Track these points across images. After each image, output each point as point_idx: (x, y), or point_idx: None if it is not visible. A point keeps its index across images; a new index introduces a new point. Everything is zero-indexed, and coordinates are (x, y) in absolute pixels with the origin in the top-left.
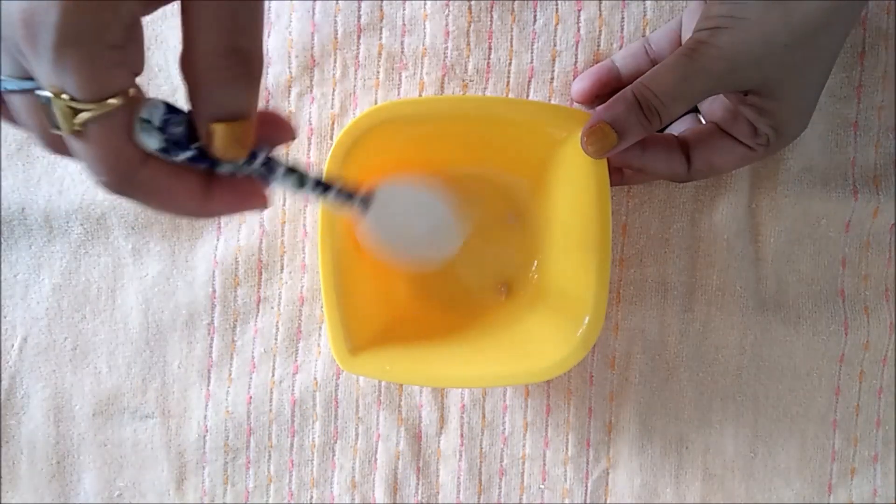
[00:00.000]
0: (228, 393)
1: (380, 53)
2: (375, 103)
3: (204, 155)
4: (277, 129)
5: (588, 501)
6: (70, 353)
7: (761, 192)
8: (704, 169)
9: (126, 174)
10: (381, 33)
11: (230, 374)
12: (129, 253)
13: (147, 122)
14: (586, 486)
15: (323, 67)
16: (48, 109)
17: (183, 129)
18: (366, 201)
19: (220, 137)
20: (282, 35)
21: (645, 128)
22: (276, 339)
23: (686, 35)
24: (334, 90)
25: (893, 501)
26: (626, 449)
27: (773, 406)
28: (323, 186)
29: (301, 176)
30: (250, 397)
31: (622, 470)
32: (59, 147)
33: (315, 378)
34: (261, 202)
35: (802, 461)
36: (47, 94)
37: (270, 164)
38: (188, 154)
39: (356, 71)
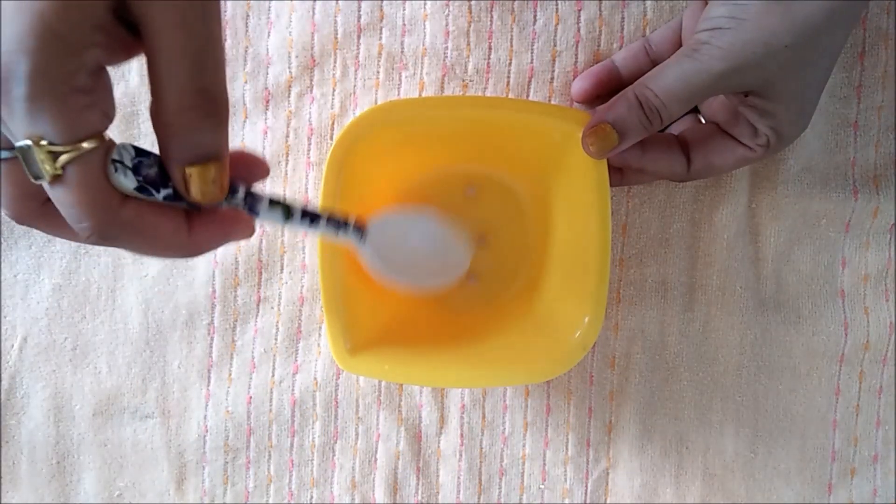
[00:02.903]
0: (228, 393)
1: (380, 53)
2: (375, 103)
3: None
4: (251, 166)
5: (588, 501)
6: (70, 353)
7: (761, 192)
8: (704, 169)
9: (108, 214)
10: (381, 33)
11: (230, 374)
12: (128, 253)
13: (119, 162)
14: (586, 486)
15: (323, 67)
16: (29, 159)
17: (156, 171)
18: (360, 231)
19: (195, 181)
20: (282, 35)
21: (646, 128)
22: (276, 339)
23: (686, 35)
24: (334, 90)
25: (893, 501)
26: (626, 449)
27: (773, 406)
28: (311, 217)
29: (287, 207)
30: (250, 397)
31: (622, 470)
32: (27, 214)
33: (315, 378)
34: (247, 230)
35: (802, 461)
36: (26, 143)
37: (253, 198)
38: (166, 192)
39: (356, 71)
